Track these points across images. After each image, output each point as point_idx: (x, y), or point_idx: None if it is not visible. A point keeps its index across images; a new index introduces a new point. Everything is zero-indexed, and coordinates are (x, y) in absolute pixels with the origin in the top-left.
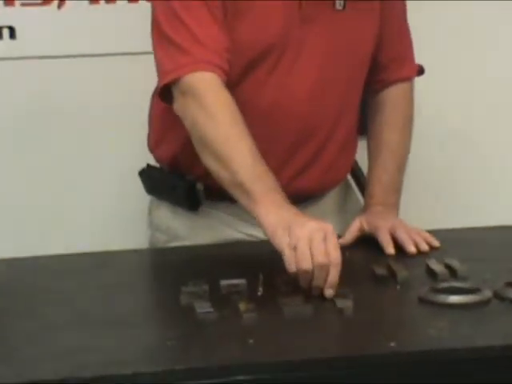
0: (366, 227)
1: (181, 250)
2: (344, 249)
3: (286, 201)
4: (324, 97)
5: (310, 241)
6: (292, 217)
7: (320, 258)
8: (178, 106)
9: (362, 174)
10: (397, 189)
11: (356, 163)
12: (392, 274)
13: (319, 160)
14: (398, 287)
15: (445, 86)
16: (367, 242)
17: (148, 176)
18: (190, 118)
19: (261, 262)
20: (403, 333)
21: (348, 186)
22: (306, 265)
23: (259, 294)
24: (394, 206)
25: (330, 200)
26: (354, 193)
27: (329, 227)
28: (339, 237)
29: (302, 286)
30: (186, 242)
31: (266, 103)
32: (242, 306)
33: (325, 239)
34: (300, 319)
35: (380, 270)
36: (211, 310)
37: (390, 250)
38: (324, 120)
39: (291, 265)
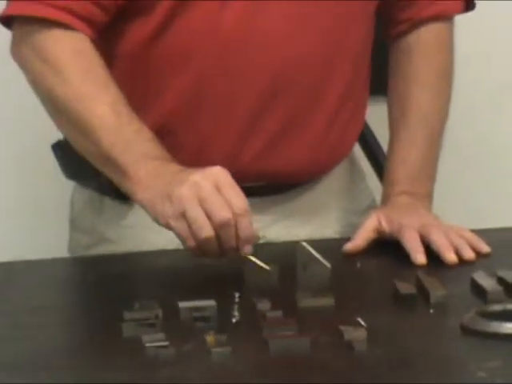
0: (385, 226)
1: (119, 259)
2: (353, 258)
3: (166, 162)
4: (305, 36)
5: (197, 198)
6: (170, 179)
7: (220, 215)
8: (16, 52)
9: (380, 149)
10: (429, 171)
11: (369, 133)
12: (423, 293)
13: (302, 129)
14: (432, 311)
15: None
16: (387, 248)
17: (65, 152)
18: (31, 72)
19: (235, 275)
20: (439, 377)
21: (354, 166)
22: (205, 231)
23: (234, 320)
24: (426, 197)
25: (326, 189)
26: (363, 177)
27: (216, 170)
28: (346, 240)
29: (209, 255)
30: (118, 247)
31: (221, 42)
32: (211, 339)
33: (217, 187)
34: (292, 357)
35: (405, 288)
36: (166, 343)
37: (420, 258)
38: (306, 70)
39: (187, 239)
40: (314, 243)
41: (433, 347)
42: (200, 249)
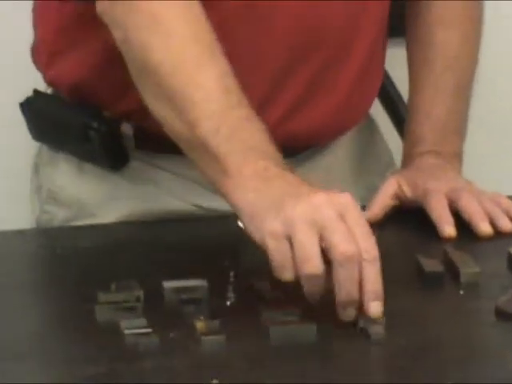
0: (406, 191)
1: (94, 231)
2: (371, 227)
3: (281, 166)
4: None
5: (315, 223)
6: (285, 189)
7: (342, 246)
8: (106, 6)
9: (400, 100)
10: (458, 126)
11: (388, 82)
12: (451, 271)
13: (326, 91)
14: (462, 292)
15: None
16: (409, 217)
17: (36, 110)
18: (123, 27)
19: (230, 250)
20: (471, 369)
21: (372, 122)
22: (314, 265)
23: (228, 303)
24: (455, 156)
25: (342, 150)
26: (381, 134)
27: (347, 198)
28: (362, 208)
29: (310, 300)
30: (101, 220)
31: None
32: (201, 325)
33: (343, 219)
34: (296, 347)
35: (431, 265)
36: (148, 330)
37: (449, 229)
38: (332, 30)
39: (285, 268)
40: None
41: (463, 335)
42: (299, 284)
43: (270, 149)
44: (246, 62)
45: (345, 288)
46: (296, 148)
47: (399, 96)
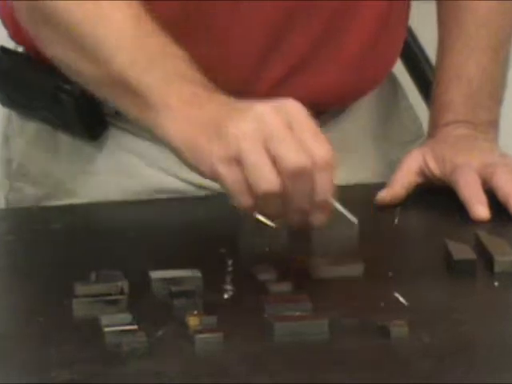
0: (433, 167)
1: (70, 213)
2: (390, 210)
3: (208, 89)
4: None
5: (262, 137)
6: (219, 110)
7: (294, 160)
8: None
9: (427, 61)
10: (494, 91)
11: (413, 41)
12: (484, 259)
13: (332, 52)
14: (496, 284)
15: None
16: (435, 197)
17: (3, 71)
18: None
19: (228, 235)
20: (506, 371)
21: (395, 85)
22: (269, 182)
23: (226, 296)
24: (490, 126)
25: (359, 117)
26: (406, 99)
27: (291, 104)
28: (380, 186)
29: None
30: (78, 199)
31: None
32: (194, 321)
33: (290, 126)
34: (304, 346)
35: (461, 252)
36: (133, 327)
37: (482, 211)
38: None
39: (241, 192)
40: (336, 191)
41: (497, 332)
42: (257, 207)
43: (196, 74)
44: (243, 13)
45: (297, 201)
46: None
47: (426, 59)
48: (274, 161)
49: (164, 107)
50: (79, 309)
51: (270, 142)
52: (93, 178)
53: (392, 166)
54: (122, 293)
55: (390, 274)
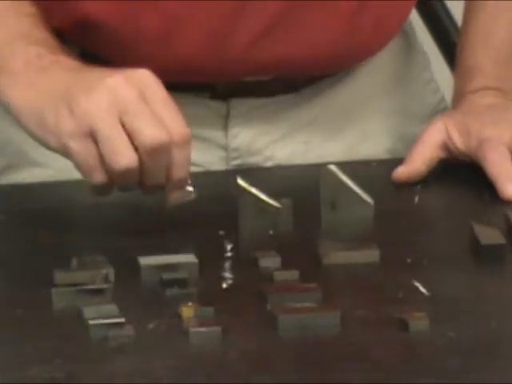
0: (457, 141)
1: (46, 189)
2: (408, 189)
3: (58, 52)
4: None
5: (115, 109)
6: (69, 79)
7: (151, 134)
8: None
9: (451, 21)
10: None
11: (439, 3)
12: None
13: (322, 3)
14: None
15: None
16: (460, 174)
17: None
18: None
19: (226, 217)
20: None
21: (411, 45)
22: (126, 158)
23: (225, 285)
24: None
25: (366, 82)
26: (426, 63)
27: (143, 73)
28: (398, 162)
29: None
30: (46, 172)
31: None
32: (189, 313)
33: (144, 98)
34: (313, 341)
35: (488, 236)
36: (120, 320)
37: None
38: None
39: (94, 169)
40: (347, 167)
41: None
42: (110, 184)
43: (43, 34)
44: None
45: (152, 177)
46: (297, 79)
47: (451, 19)
48: (130, 135)
49: (7, 70)
50: (59, 300)
51: (125, 116)
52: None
53: (406, 141)
54: (106, 281)
55: (409, 260)
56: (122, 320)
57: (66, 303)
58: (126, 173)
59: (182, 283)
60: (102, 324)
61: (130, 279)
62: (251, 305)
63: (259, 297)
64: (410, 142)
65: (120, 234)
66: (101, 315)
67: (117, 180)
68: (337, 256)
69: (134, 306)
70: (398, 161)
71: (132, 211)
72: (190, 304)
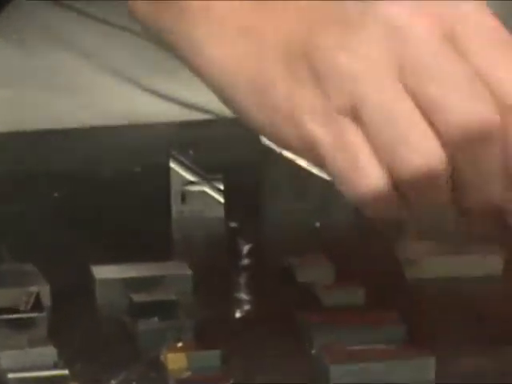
0: None
1: None
2: None
3: None
4: None
5: (400, 69)
6: (308, 15)
7: (463, 113)
8: None
9: None
10: None
11: None
12: None
13: None
14: None
15: None
16: None
17: None
18: None
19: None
20: None
21: None
22: (420, 153)
23: (238, 313)
24: None
25: None
26: None
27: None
28: None
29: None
30: None
31: None
32: (176, 360)
33: (453, 39)
34: None
35: None
36: (60, 372)
37: None
38: None
39: (358, 174)
40: None
41: None
42: (392, 202)
43: None
44: None
45: (476, 188)
46: None
47: None
48: (425, 112)
49: (205, 13)
50: None
51: (416, 79)
52: None
53: None
54: (38, 306)
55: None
56: (64, 372)
57: None
58: (426, 179)
59: (165, 310)
60: (28, 379)
61: (77, 303)
62: (282, 345)
63: (297, 332)
64: None
65: (63, 226)
66: (27, 364)
67: (409, 193)
68: (431, 264)
69: (83, 349)
70: None
71: (85, 186)
72: (179, 345)
